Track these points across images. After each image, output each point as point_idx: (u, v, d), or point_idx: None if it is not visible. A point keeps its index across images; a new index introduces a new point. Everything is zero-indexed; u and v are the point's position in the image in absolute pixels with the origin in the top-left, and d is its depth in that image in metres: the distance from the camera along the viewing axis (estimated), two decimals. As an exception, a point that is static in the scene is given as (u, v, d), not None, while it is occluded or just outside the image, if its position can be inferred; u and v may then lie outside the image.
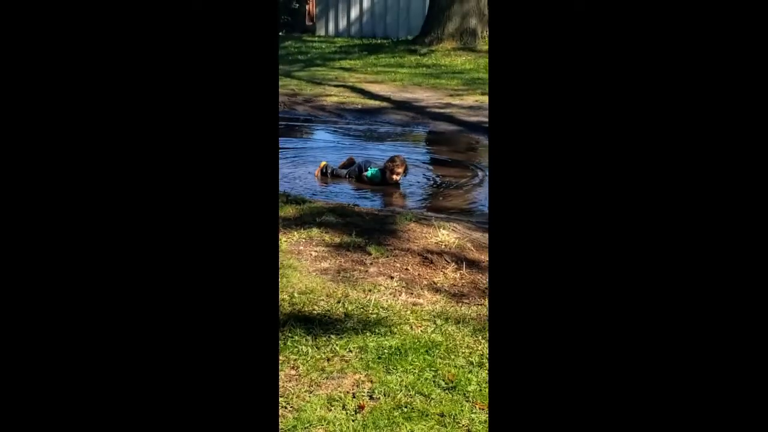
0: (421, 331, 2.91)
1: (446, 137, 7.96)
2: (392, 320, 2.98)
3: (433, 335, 2.85)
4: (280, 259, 3.58)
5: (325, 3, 17.99)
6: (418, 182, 5.94)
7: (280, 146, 6.81)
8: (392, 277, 3.46)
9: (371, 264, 3.62)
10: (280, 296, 3.16)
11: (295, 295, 3.19)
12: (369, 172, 5.74)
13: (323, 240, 3.91)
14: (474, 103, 9.04)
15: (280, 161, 6.20)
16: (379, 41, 15.76)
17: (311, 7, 19.38)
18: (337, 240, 3.91)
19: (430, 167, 6.60)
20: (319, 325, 2.92)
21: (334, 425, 2.25)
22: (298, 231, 4.02)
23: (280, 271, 3.42)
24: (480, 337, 2.85)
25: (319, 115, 8.97)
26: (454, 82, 10.79)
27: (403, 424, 2.27)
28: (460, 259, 3.73)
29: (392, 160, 5.69)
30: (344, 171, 5.94)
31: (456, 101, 9.37)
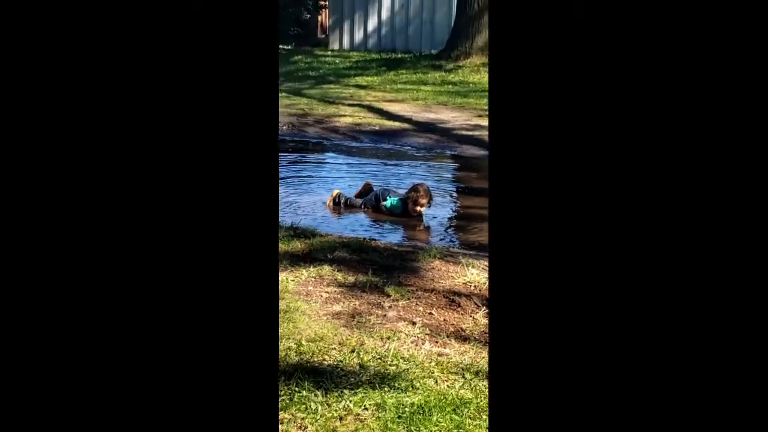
0: (448, 386, 2.82)
1: (475, 163, 7.91)
2: (414, 373, 2.90)
3: (461, 391, 2.77)
4: (287, 302, 3.53)
5: (340, 13, 18.11)
6: (444, 214, 5.88)
7: (288, 174, 6.80)
8: (414, 323, 3.39)
9: (390, 307, 3.55)
10: (286, 344, 3.10)
11: (304, 342, 3.12)
12: (388, 203, 5.70)
13: (335, 279, 3.85)
14: (506, 124, 9.01)
15: (288, 189, 6.18)
16: (399, 56, 15.85)
17: (324, 18, 19.55)
18: (352, 279, 3.85)
19: (457, 197, 6.55)
20: (330, 378, 2.85)
21: (347, 497, 2.17)
22: (307, 268, 3.97)
23: (286, 315, 3.37)
24: (516, 394, 2.76)
25: (331, 137, 8.97)
26: (484, 101, 10.78)
27: (427, 496, 2.18)
28: (491, 302, 3.66)
29: (415, 189, 5.64)
30: (360, 200, 5.90)
31: (485, 123, 9.34)
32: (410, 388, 2.78)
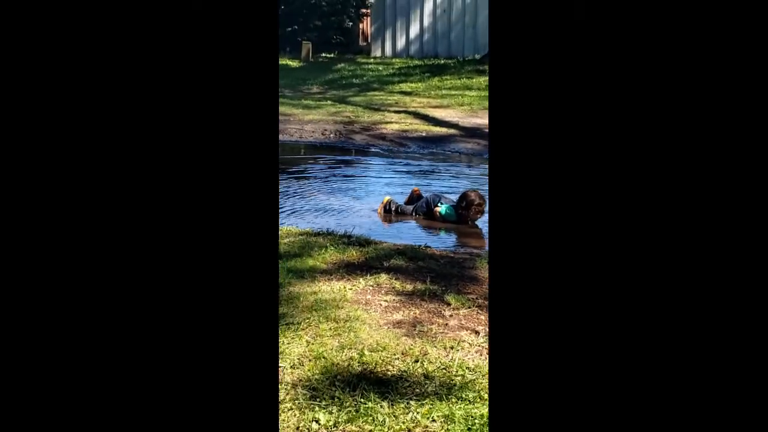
0: (517, 396, 2.76)
1: (525, 168, 7.83)
2: (481, 384, 2.83)
3: (531, 402, 2.70)
4: (346, 311, 3.49)
5: (382, 21, 18.11)
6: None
7: (337, 181, 6.78)
8: (477, 332, 3.32)
9: (451, 316, 3.49)
10: (348, 353, 3.06)
11: (366, 352, 3.08)
12: (443, 209, 5.64)
13: (393, 287, 3.81)
14: (555, 128, 8.91)
15: (339, 196, 6.16)
16: (442, 61, 15.79)
17: (366, 26, 19.59)
18: (410, 287, 3.80)
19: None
20: (395, 389, 2.80)
21: None
22: (364, 277, 3.93)
23: (347, 324, 3.33)
24: (588, 405, 2.69)
25: (379, 144, 8.96)
26: (531, 105, 10.70)
27: None
28: (554, 309, 3.58)
29: (469, 196, 5.57)
30: (410, 207, 5.85)
31: (534, 127, 9.27)
32: (478, 399, 2.71)
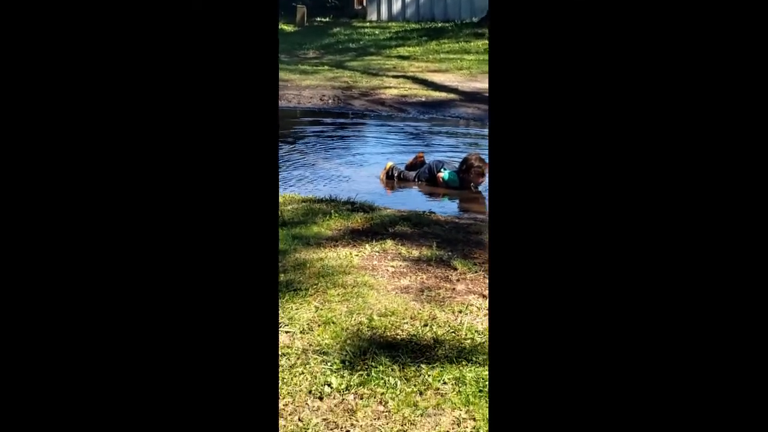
0: (526, 359, 2.81)
1: (525, 132, 7.84)
2: (490, 346, 2.89)
3: (540, 364, 2.76)
4: (353, 276, 3.53)
5: (377, -17, 17.98)
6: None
7: (337, 147, 6.79)
8: (484, 296, 3.37)
9: (458, 280, 3.53)
10: (357, 319, 3.10)
11: (375, 317, 3.13)
12: (446, 175, 5.67)
13: (399, 253, 3.85)
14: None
15: (342, 162, 6.18)
16: (439, 25, 15.69)
17: (361, -12, 19.41)
18: (416, 253, 3.84)
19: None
20: (405, 352, 2.85)
21: (436, 472, 2.18)
22: (370, 243, 3.96)
23: (354, 290, 3.37)
24: (596, 366, 2.74)
25: (378, 109, 8.95)
26: (530, 68, 10.66)
27: (517, 470, 2.18)
28: (560, 273, 3.63)
29: (470, 160, 5.59)
30: (413, 173, 5.88)
31: (534, 91, 9.25)
32: (488, 362, 2.77)
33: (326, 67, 10.83)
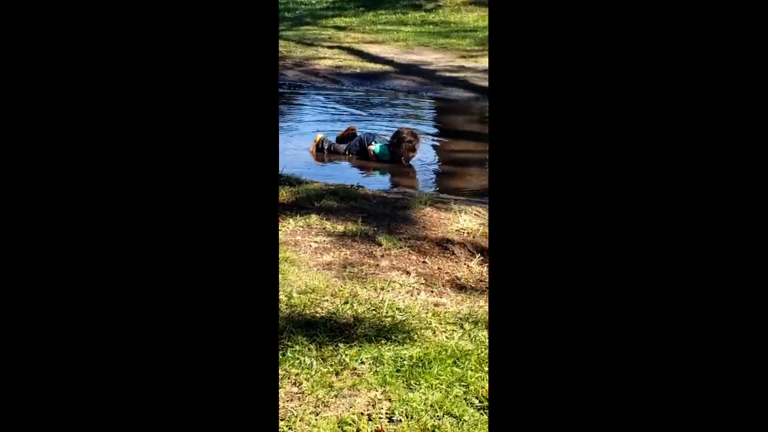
0: (447, 337, 2.77)
1: (461, 106, 7.81)
2: (411, 324, 2.84)
3: (461, 342, 2.72)
4: (275, 252, 3.44)
5: (315, -48, 17.70)
6: (431, 159, 5.79)
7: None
8: (408, 272, 3.32)
9: (382, 256, 3.48)
10: (276, 296, 3.02)
11: (294, 294, 3.05)
12: (377, 148, 5.60)
13: (324, 228, 3.77)
14: (491, 65, 8.87)
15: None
16: (378, -5, 15.53)
17: (299, -44, 19.09)
18: (341, 228, 3.76)
19: (444, 141, 6.46)
20: (324, 331, 2.78)
21: (348, 455, 2.13)
22: (294, 218, 3.88)
23: (275, 266, 3.28)
24: (517, 344, 2.72)
25: (311, 80, 8.81)
26: (466, 41, 10.63)
27: (431, 453, 2.14)
28: (485, 249, 3.59)
29: (402, 133, 5.53)
30: (343, 146, 5.79)
31: (469, 64, 9.22)
32: (408, 341, 2.72)
33: (260, 36, 10.59)
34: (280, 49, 10.08)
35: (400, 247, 3.56)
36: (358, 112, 7.41)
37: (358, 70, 9.12)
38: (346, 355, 2.62)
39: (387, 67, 9.22)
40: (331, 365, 2.56)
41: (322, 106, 7.75)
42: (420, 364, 2.55)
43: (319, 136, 5.89)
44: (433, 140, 6.35)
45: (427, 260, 3.47)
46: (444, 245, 3.61)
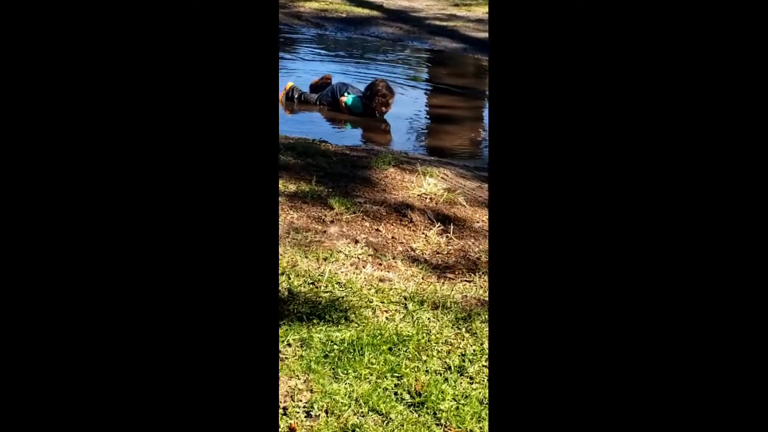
0: (387, 318, 2.54)
1: (448, 57, 7.48)
2: (349, 302, 2.61)
3: (401, 325, 2.49)
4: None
5: None
6: (408, 114, 5.50)
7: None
8: (357, 241, 3.08)
9: (332, 222, 3.23)
10: (206, 264, 2.78)
11: (227, 262, 2.80)
12: (349, 100, 5.31)
13: (274, 187, 3.51)
14: (483, 15, 8.53)
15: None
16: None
17: None
18: (292, 188, 3.51)
19: (426, 95, 6.16)
20: (252, 305, 2.55)
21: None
22: (244, 174, 3.61)
23: (212, 229, 3.04)
24: (464, 329, 2.48)
25: (293, 24, 8.43)
26: (462, -12, 10.23)
27: (346, 457, 1.92)
28: (447, 218, 3.35)
29: (377, 86, 5.23)
30: (315, 96, 5.50)
31: (462, 12, 8.86)
32: (342, 321, 2.49)
33: (246, -26, 10.20)
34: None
35: (353, 212, 3.31)
36: (338, 59, 7.08)
37: (343, 15, 8.75)
38: (272, 335, 2.38)
39: (375, 12, 8.85)
40: (253, 347, 2.33)
41: (301, 53, 7.41)
42: (351, 350, 2.32)
43: (289, 84, 5.59)
44: (414, 94, 6.05)
45: (381, 228, 3.22)
46: (402, 211, 3.36)
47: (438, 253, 3.08)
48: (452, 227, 3.26)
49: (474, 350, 2.38)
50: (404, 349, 2.35)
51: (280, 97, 5.51)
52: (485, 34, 7.66)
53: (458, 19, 8.53)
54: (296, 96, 5.49)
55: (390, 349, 2.34)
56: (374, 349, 2.33)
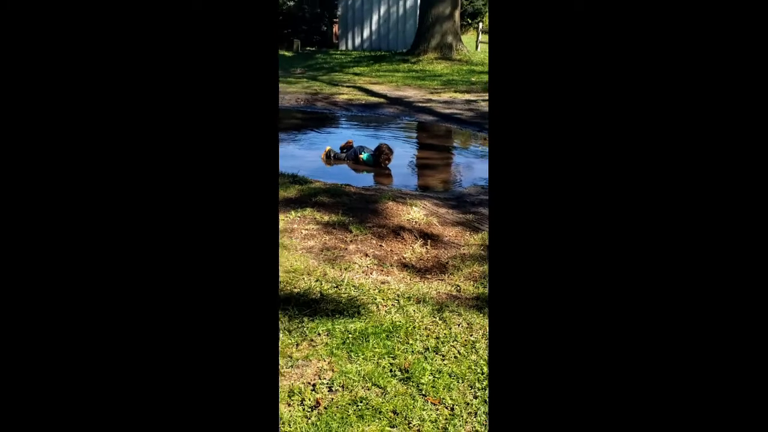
0: (385, 311, 2.21)
1: (427, 126, 7.12)
2: (361, 300, 2.28)
3: (395, 317, 2.15)
4: (274, 238, 2.87)
5: (345, 26, 16.88)
6: (404, 164, 5.16)
7: (298, 135, 6.03)
8: (367, 255, 2.75)
9: (351, 242, 2.90)
10: (266, 276, 2.45)
11: (280, 274, 2.48)
12: (364, 156, 4.99)
13: (315, 218, 3.19)
14: (448, 98, 8.17)
15: (299, 146, 5.44)
16: (383, 53, 14.72)
17: (336, 29, 18.29)
18: (326, 219, 3.19)
19: (415, 151, 5.81)
20: (296, 305, 2.23)
21: (289, 426, 1.57)
22: (296, 210, 3.30)
23: (273, 249, 2.71)
24: (437, 318, 2.15)
25: (332, 108, 8.10)
26: (435, 82, 9.88)
27: (355, 424, 1.58)
28: (426, 234, 3.02)
29: (381, 148, 4.93)
30: (344, 154, 5.17)
31: (435, 97, 8.49)
32: (356, 315, 2.16)
33: (305, 80, 9.92)
34: (316, 88, 9.37)
35: (365, 234, 2.98)
36: (360, 129, 6.75)
37: (363, 102, 8.41)
38: (307, 327, 2.07)
39: (381, 100, 8.50)
40: (294, 337, 2.01)
41: (336, 126, 7.08)
42: (361, 338, 1.99)
43: (328, 147, 5.26)
44: (408, 150, 5.70)
45: (383, 244, 2.90)
46: (397, 232, 3.03)
47: (420, 260, 2.75)
48: (429, 241, 2.93)
49: (445, 334, 2.04)
50: (397, 335, 2.02)
51: (322, 157, 5.20)
52: (449, 111, 7.29)
53: (432, 101, 8.17)
54: (332, 155, 5.16)
55: (387, 336, 2.02)
56: (376, 336, 2.00)
